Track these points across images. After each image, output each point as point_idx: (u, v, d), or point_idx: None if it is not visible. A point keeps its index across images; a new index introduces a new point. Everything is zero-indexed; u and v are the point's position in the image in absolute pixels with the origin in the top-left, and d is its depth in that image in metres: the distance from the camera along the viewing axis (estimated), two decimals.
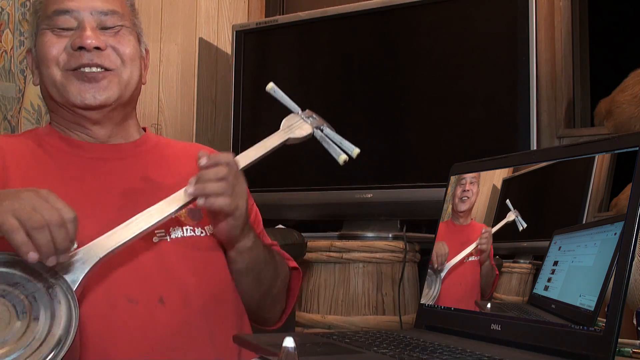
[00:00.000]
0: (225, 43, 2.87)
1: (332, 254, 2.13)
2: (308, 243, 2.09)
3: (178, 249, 1.11)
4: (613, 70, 2.10)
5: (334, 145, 1.18)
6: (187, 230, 1.14)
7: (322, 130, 1.19)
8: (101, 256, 0.97)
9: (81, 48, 1.13)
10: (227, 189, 1.05)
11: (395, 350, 0.86)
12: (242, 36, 2.54)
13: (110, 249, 0.98)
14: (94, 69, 1.14)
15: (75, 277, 0.94)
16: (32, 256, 0.87)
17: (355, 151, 1.18)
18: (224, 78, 2.81)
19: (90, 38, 1.14)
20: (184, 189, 1.05)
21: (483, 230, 1.06)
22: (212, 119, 2.82)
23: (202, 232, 1.16)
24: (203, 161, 1.05)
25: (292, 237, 1.92)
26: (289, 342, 0.64)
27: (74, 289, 0.92)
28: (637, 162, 0.81)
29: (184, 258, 1.11)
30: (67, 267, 0.94)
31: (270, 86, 1.22)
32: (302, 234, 2.02)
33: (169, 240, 1.11)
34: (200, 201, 1.04)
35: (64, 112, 1.19)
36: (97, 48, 1.14)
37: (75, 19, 1.16)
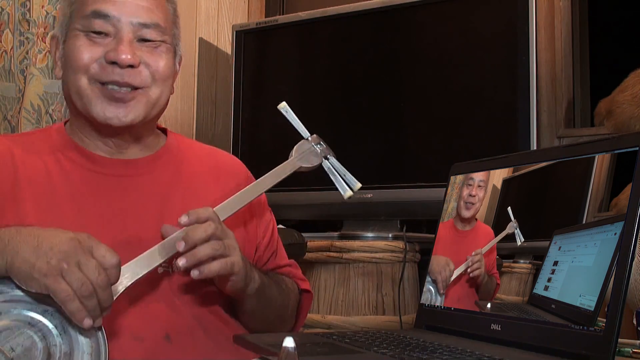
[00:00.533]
0: (225, 43, 2.87)
1: (332, 254, 2.13)
2: (308, 243, 2.09)
3: (183, 281, 1.08)
4: (613, 70, 2.10)
5: (339, 177, 1.20)
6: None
7: (328, 160, 1.20)
8: (128, 285, 0.95)
9: (114, 62, 1.06)
10: (219, 247, 1.00)
11: (395, 350, 0.86)
12: (242, 36, 2.54)
13: (136, 278, 0.96)
14: (122, 89, 1.08)
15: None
16: (88, 322, 0.87)
17: (357, 185, 1.21)
18: (224, 78, 2.81)
19: (125, 53, 1.06)
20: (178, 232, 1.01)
21: (473, 254, 1.06)
22: (212, 119, 2.82)
23: None
24: (184, 219, 1.00)
25: (292, 237, 1.92)
26: (289, 342, 0.64)
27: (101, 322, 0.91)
28: (637, 162, 0.81)
29: (189, 290, 1.08)
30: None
31: (283, 105, 1.20)
32: (302, 234, 2.02)
33: (171, 272, 1.08)
34: (194, 273, 0.99)
35: (82, 119, 1.12)
36: (131, 65, 1.07)
37: (113, 26, 1.08)
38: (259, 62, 2.54)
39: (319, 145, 1.20)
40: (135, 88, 1.09)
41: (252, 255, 1.21)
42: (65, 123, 1.19)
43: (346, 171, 1.21)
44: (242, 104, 2.51)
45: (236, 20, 2.91)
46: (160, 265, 1.04)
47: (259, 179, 1.13)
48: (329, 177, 1.21)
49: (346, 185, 1.20)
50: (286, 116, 1.21)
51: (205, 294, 1.10)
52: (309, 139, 1.20)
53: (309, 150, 1.19)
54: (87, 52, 1.07)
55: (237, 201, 1.08)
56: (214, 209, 1.03)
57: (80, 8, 1.10)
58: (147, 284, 1.05)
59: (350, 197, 1.20)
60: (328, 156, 1.21)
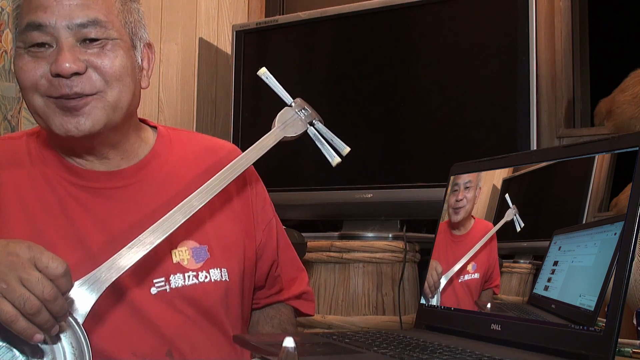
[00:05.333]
0: (225, 43, 2.87)
1: (332, 254, 2.13)
2: (308, 243, 2.09)
3: (180, 300, 1.05)
4: (613, 70, 2.10)
5: (326, 144, 1.14)
6: (189, 277, 1.06)
7: (314, 126, 1.13)
8: (107, 285, 0.91)
9: (59, 75, 0.98)
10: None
11: (395, 350, 0.86)
12: (242, 36, 2.54)
13: (117, 276, 0.92)
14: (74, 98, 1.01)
15: (83, 311, 0.89)
16: (38, 338, 0.83)
17: (345, 150, 1.13)
18: (224, 78, 2.81)
19: (67, 61, 0.97)
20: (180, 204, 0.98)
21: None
22: (212, 119, 2.82)
23: (206, 277, 1.08)
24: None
25: (292, 237, 1.92)
26: (289, 342, 0.64)
27: (82, 322, 0.88)
28: (637, 162, 0.81)
29: (190, 305, 1.06)
30: (70, 302, 0.89)
31: (263, 71, 1.14)
32: (302, 234, 2.03)
33: (168, 290, 1.05)
34: None
35: (54, 138, 1.08)
36: (76, 73, 0.99)
37: (51, 35, 0.99)
38: (259, 62, 2.53)
39: (303, 111, 1.13)
40: (87, 95, 1.01)
41: (253, 259, 1.17)
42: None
43: (333, 136, 1.14)
44: (242, 104, 2.51)
45: (236, 20, 2.91)
46: (154, 285, 1.03)
47: (240, 155, 1.07)
48: (315, 145, 1.14)
49: (333, 151, 1.13)
50: (267, 82, 1.14)
51: (206, 308, 1.07)
52: (292, 104, 1.13)
53: (292, 118, 1.12)
54: (32, 70, 1.00)
55: (219, 181, 1.02)
56: (194, 192, 1.00)
57: (20, 25, 1.02)
58: (145, 301, 1.03)
59: (338, 164, 1.13)
60: (314, 121, 1.13)
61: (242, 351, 1.11)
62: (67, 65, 0.97)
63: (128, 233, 1.03)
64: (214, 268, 1.09)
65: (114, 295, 1.00)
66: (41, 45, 1.00)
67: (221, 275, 1.09)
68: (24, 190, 1.06)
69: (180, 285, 1.05)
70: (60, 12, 0.99)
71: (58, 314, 0.84)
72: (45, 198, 1.06)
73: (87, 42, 1.01)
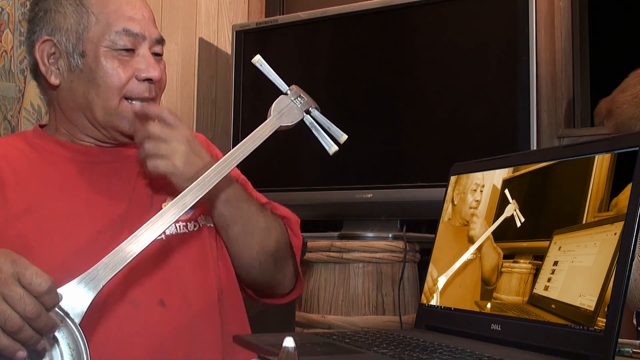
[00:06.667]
0: (225, 43, 2.87)
1: (332, 254, 2.13)
2: (308, 243, 2.09)
3: (175, 247, 1.10)
4: (613, 70, 2.10)
5: (323, 132, 1.13)
6: (180, 227, 1.11)
7: (310, 114, 1.13)
8: (104, 283, 0.92)
9: (147, 80, 1.11)
10: (153, 148, 1.05)
11: (395, 350, 0.86)
12: (242, 36, 2.54)
13: (113, 273, 0.92)
14: (143, 104, 1.12)
15: (79, 310, 0.89)
16: (20, 355, 0.82)
17: (342, 137, 1.14)
18: (224, 78, 2.81)
19: (158, 71, 1.12)
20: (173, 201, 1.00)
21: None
22: (212, 119, 2.82)
23: (195, 226, 1.13)
24: (136, 107, 1.09)
25: None
26: (289, 342, 0.64)
27: (79, 322, 0.88)
28: (637, 162, 0.81)
29: (182, 256, 1.10)
30: (58, 314, 0.88)
31: (257, 58, 1.14)
32: (302, 234, 2.02)
33: (164, 238, 1.09)
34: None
35: (85, 124, 1.15)
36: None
37: (139, 44, 1.12)
38: None
39: (299, 99, 1.13)
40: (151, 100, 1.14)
41: None
42: (41, 127, 1.20)
43: (330, 124, 1.14)
44: (242, 104, 2.51)
45: (236, 20, 2.91)
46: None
47: (237, 146, 1.06)
48: (312, 134, 1.13)
49: (331, 139, 1.13)
50: (261, 70, 1.14)
51: (200, 259, 1.11)
52: (288, 92, 1.13)
53: (288, 107, 1.11)
54: (123, 73, 1.10)
55: (213, 174, 1.03)
56: (193, 184, 1.01)
57: (108, 23, 1.11)
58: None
59: (335, 152, 1.12)
60: (310, 109, 1.13)
61: (231, 306, 1.14)
62: (157, 73, 1.12)
63: (134, 204, 1.10)
64: (200, 216, 1.14)
65: None
66: (127, 50, 1.11)
67: (206, 220, 1.15)
68: (25, 173, 1.09)
69: (174, 232, 1.10)
70: (145, 25, 1.13)
71: (42, 330, 0.83)
72: (44, 174, 1.10)
73: (154, 55, 1.14)
